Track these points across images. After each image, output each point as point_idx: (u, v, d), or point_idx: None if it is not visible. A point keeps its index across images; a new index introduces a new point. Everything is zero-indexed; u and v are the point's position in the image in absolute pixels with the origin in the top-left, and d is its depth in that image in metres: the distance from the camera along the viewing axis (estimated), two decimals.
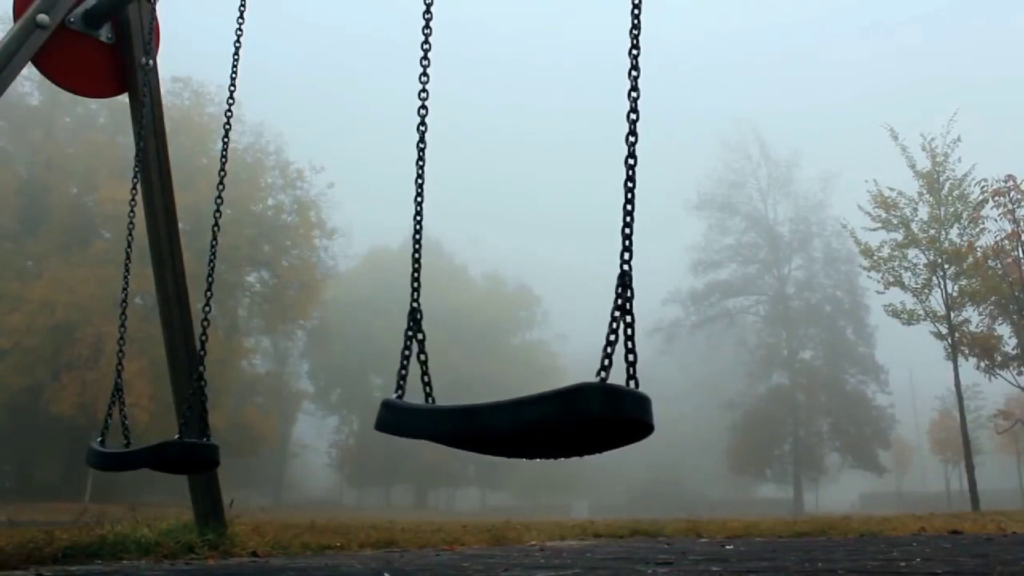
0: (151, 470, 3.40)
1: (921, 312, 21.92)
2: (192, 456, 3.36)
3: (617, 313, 1.78)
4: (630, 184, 1.91)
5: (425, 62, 2.47)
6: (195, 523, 4.32)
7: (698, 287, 51.40)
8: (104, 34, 4.31)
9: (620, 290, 1.80)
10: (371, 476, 56.07)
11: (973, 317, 21.97)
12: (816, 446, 48.08)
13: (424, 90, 2.45)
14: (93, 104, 33.13)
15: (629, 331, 1.77)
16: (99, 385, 27.73)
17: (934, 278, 21.78)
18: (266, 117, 48.15)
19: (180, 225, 4.53)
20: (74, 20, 4.13)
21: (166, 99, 4.85)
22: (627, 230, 1.86)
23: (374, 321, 52.63)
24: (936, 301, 21.79)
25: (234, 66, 3.75)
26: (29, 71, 4.28)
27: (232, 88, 3.76)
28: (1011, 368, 21.73)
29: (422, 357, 2.22)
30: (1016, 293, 21.28)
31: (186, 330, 4.33)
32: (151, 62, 4.34)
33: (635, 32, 1.99)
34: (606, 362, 1.74)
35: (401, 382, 2.17)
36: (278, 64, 70.66)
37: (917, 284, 21.92)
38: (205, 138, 35.31)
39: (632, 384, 1.75)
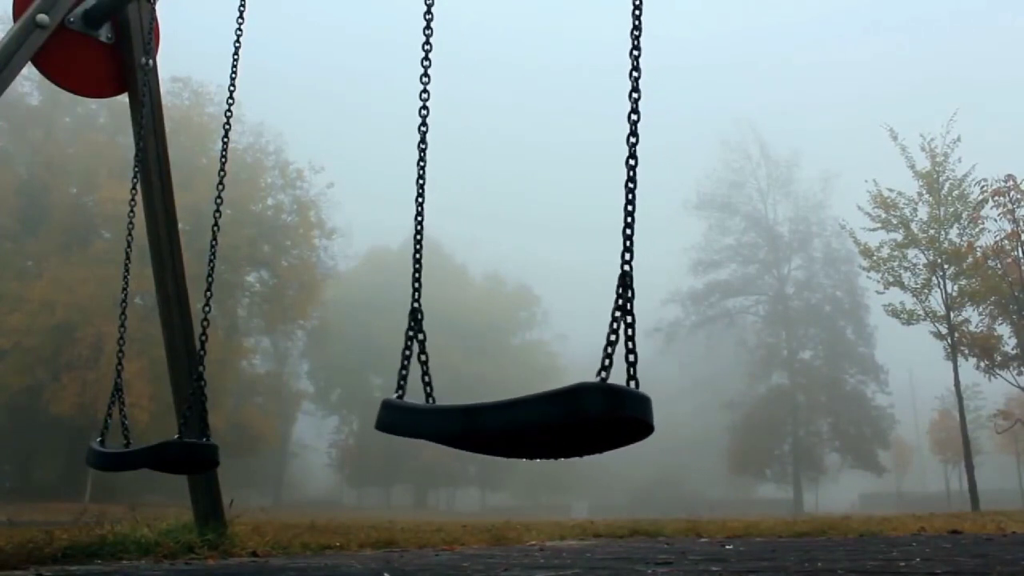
0: (151, 470, 3.40)
1: (921, 312, 21.93)
2: (192, 456, 3.36)
3: (618, 313, 1.78)
4: (631, 185, 1.91)
5: (426, 62, 2.47)
6: (195, 523, 4.32)
7: (698, 287, 51.44)
8: (104, 34, 4.31)
9: (620, 290, 1.80)
10: (371, 476, 56.05)
11: (973, 317, 21.99)
12: (816, 446, 48.08)
13: (425, 90, 2.45)
14: (93, 104, 33.13)
15: (629, 331, 1.77)
16: (99, 385, 27.73)
17: (934, 278, 21.78)
18: (266, 117, 48.26)
19: (180, 225, 4.53)
20: (74, 20, 4.13)
21: (166, 99, 4.85)
22: (628, 230, 1.86)
23: (374, 321, 52.61)
24: (936, 301, 21.82)
25: (234, 66, 3.75)
26: (29, 71, 4.28)
27: (232, 88, 3.76)
28: (1011, 368, 21.72)
29: (423, 357, 2.22)
30: (1016, 293, 21.28)
31: (186, 330, 4.33)
32: (151, 62, 4.34)
33: (636, 33, 1.99)
34: (606, 362, 1.74)
35: (402, 382, 2.17)
36: (278, 64, 70.67)
37: (917, 284, 21.93)
38: (205, 138, 35.30)
39: (632, 384, 1.75)
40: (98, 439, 3.59)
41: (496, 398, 1.83)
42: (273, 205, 39.95)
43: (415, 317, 2.23)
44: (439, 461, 48.41)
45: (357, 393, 55.54)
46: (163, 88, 4.66)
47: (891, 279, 22.15)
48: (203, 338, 3.46)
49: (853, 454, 46.88)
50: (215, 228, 3.55)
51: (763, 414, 47.19)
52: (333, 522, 8.26)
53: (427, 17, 2.50)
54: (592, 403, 1.66)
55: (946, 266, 21.64)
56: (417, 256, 2.36)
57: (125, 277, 3.92)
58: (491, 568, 3.21)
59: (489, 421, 1.82)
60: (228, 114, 3.74)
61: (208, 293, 3.50)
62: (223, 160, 3.66)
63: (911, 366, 56.58)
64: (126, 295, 3.87)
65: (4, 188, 32.07)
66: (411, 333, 2.21)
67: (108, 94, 4.62)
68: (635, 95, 1.95)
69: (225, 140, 3.75)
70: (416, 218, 2.40)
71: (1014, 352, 21.66)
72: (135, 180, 4.09)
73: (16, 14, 3.98)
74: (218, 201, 3.57)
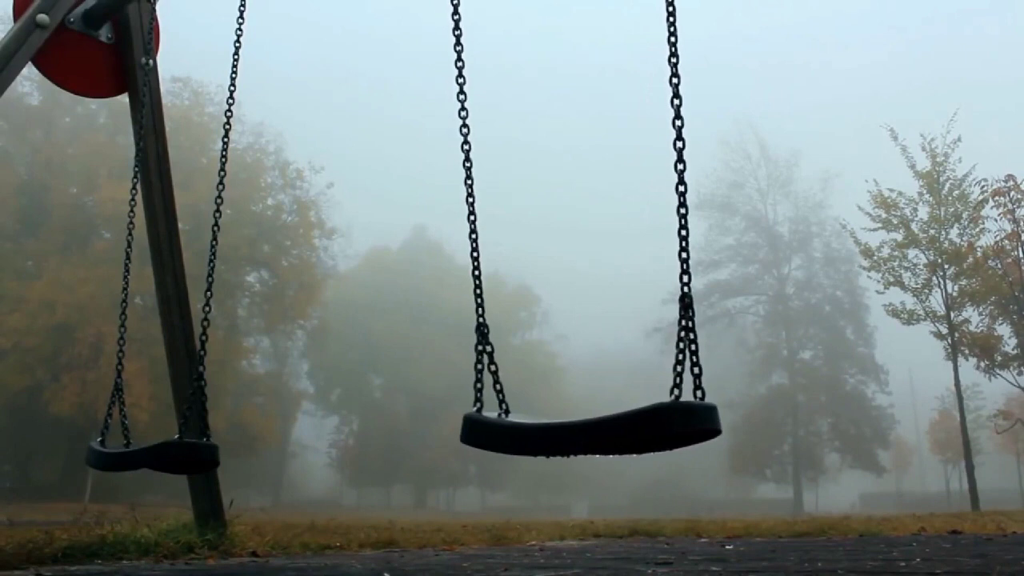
0: (151, 470, 3.40)
1: (921, 312, 21.93)
2: (192, 456, 3.35)
3: (682, 334, 1.90)
4: (683, 211, 1.97)
5: (461, 79, 2.49)
6: (195, 523, 4.31)
7: (698, 287, 51.32)
8: (104, 34, 4.31)
9: (683, 311, 1.94)
10: (371, 476, 56.02)
11: (973, 317, 21.99)
12: (816, 446, 48.06)
13: (464, 108, 2.48)
14: (93, 104, 33.13)
15: (694, 347, 1.90)
16: (99, 385, 27.72)
17: (934, 278, 21.78)
18: (266, 117, 48.28)
19: (180, 225, 4.53)
20: (74, 20, 4.12)
21: (166, 99, 4.85)
22: (683, 254, 1.95)
23: (374, 321, 52.61)
24: (936, 301, 21.81)
25: (234, 66, 3.74)
26: (29, 71, 4.28)
27: (232, 88, 3.76)
28: (1011, 368, 21.72)
29: (492, 367, 2.31)
30: (1016, 293, 21.28)
31: (186, 330, 4.33)
32: (151, 62, 4.34)
33: (672, 40, 2.02)
34: (678, 380, 1.88)
35: (478, 395, 2.28)
36: (278, 64, 70.71)
37: (917, 284, 21.92)
38: (205, 138, 35.30)
39: (699, 395, 1.88)
40: (98, 439, 3.59)
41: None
42: (273, 205, 39.95)
43: (481, 331, 2.37)
44: (439, 461, 48.39)
45: (357, 393, 55.52)
46: (163, 88, 4.66)
47: (891, 279, 22.15)
48: (203, 338, 3.46)
49: (853, 454, 46.88)
50: (215, 228, 3.55)
51: (763, 414, 47.17)
52: (333, 522, 8.25)
53: (456, 34, 2.52)
54: (673, 422, 1.82)
55: (946, 266, 21.64)
56: (476, 273, 2.43)
57: (125, 277, 3.93)
58: (491, 568, 3.21)
59: (576, 442, 1.95)
60: (228, 114, 3.74)
61: (208, 293, 3.50)
62: (223, 160, 3.65)
63: (911, 366, 56.61)
64: (126, 295, 3.87)
65: (4, 188, 32.05)
66: (479, 347, 2.33)
67: (108, 94, 4.62)
68: (676, 101, 1.98)
69: (225, 140, 3.75)
70: (471, 235, 2.45)
71: (1014, 352, 21.66)
72: (135, 180, 4.09)
73: (16, 14, 3.98)
74: (218, 201, 3.57)
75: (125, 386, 3.71)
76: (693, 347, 1.90)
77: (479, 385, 2.29)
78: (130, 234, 4.02)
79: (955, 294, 21.69)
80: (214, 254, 3.56)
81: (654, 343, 48.75)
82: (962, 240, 21.68)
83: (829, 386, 48.01)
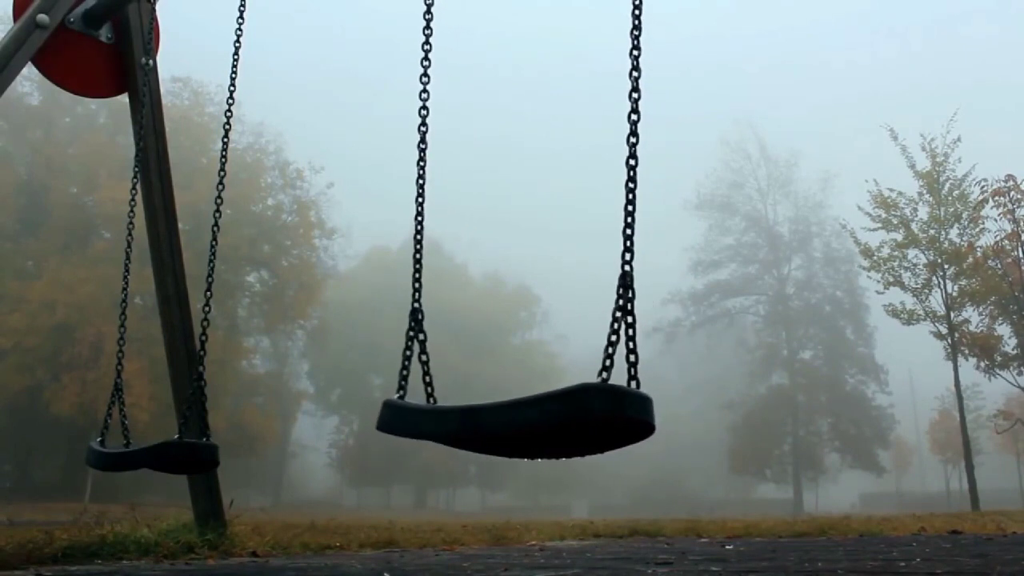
0: (151, 470, 3.40)
1: (921, 312, 21.93)
2: (192, 456, 3.36)
3: (618, 314, 1.77)
4: (631, 185, 1.90)
5: (426, 63, 2.47)
6: (195, 523, 4.31)
7: (698, 287, 51.42)
8: (104, 34, 4.31)
9: (621, 291, 1.80)
10: (371, 476, 56.04)
11: (973, 317, 22.00)
12: (816, 446, 48.08)
13: (425, 90, 2.45)
14: (93, 104, 33.14)
15: (630, 332, 1.77)
16: (99, 385, 27.72)
17: (934, 278, 21.78)
18: (266, 117, 48.27)
19: (180, 225, 4.52)
20: (74, 20, 4.12)
21: (166, 99, 4.85)
22: (628, 231, 1.86)
23: (374, 321, 52.59)
24: (936, 301, 21.82)
25: (234, 66, 3.74)
26: (29, 71, 4.28)
27: (232, 88, 3.76)
28: (1011, 368, 21.72)
29: (423, 357, 2.22)
30: (1016, 293, 21.28)
31: (186, 330, 4.33)
32: (151, 62, 4.34)
33: (636, 33, 1.99)
34: (607, 362, 1.74)
35: (403, 383, 2.17)
36: (278, 64, 70.63)
37: (917, 284, 21.93)
38: (205, 138, 35.31)
39: (633, 384, 1.75)
40: (98, 439, 3.59)
41: (495, 398, 1.83)
42: (273, 205, 39.98)
43: (415, 317, 2.23)
44: (439, 461, 48.40)
45: (357, 393, 55.51)
46: (163, 88, 4.66)
47: (891, 279, 22.15)
48: (203, 338, 3.46)
49: (853, 454, 46.89)
50: (215, 228, 3.55)
51: (763, 414, 47.18)
52: (333, 522, 8.25)
53: (427, 18, 2.51)
54: (594, 404, 1.66)
55: (946, 266, 21.64)
56: (417, 256, 2.36)
57: (125, 277, 3.93)
58: (491, 568, 3.21)
59: (490, 422, 1.82)
60: (228, 114, 3.74)
61: (208, 293, 3.50)
62: (223, 160, 3.65)
63: (911, 366, 56.61)
64: (126, 295, 3.87)
65: (4, 188, 32.07)
66: (411, 333, 2.21)
67: (108, 94, 4.62)
68: (635, 95, 1.95)
69: (225, 140, 3.75)
70: (416, 218, 2.40)
71: (1014, 352, 21.66)
72: (135, 180, 4.09)
73: (16, 14, 3.98)
74: (218, 201, 3.57)
75: (125, 386, 3.71)
76: (630, 332, 1.76)
77: (405, 372, 2.15)
78: (130, 234, 4.02)
79: (955, 294, 21.70)
80: (214, 254, 3.56)
81: (654, 343, 48.85)
82: (962, 240, 21.69)
83: (829, 386, 48.03)
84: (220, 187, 3.59)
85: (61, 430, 31.62)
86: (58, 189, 33.99)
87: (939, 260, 21.63)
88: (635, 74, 1.96)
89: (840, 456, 48.14)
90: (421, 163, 2.45)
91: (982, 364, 21.71)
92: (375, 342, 52.06)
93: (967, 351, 21.59)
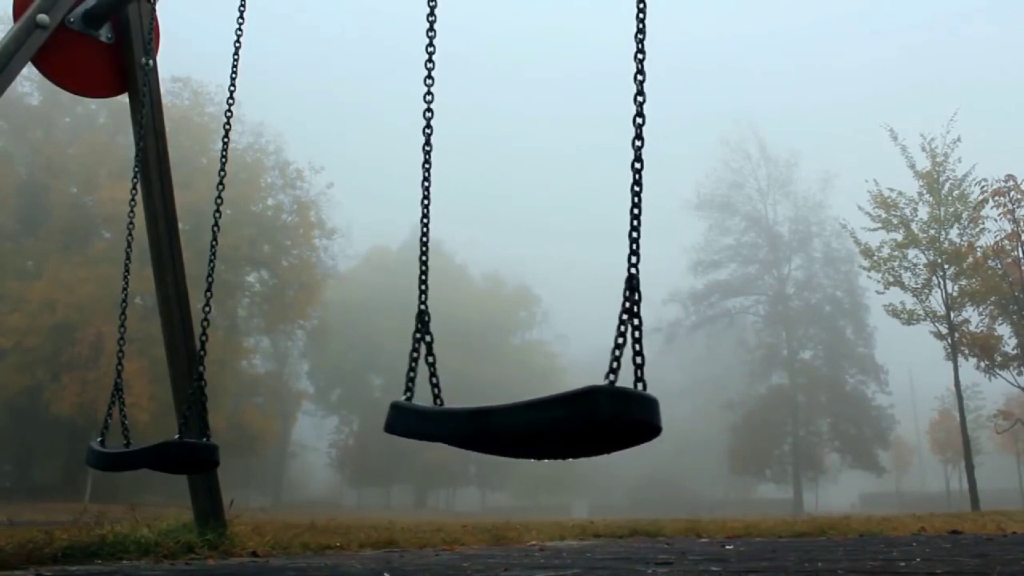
0: (151, 470, 3.40)
1: (921, 312, 21.93)
2: (192, 456, 3.35)
3: (625, 316, 1.77)
4: (637, 188, 1.91)
5: (430, 64, 2.46)
6: (195, 523, 4.31)
7: (698, 287, 51.45)
8: (104, 34, 4.30)
9: (628, 293, 1.80)
10: (371, 476, 56.05)
11: (973, 317, 22.00)
12: (816, 446, 48.09)
13: (429, 92, 2.44)
14: (93, 104, 33.14)
15: (637, 334, 1.77)
16: (99, 385, 27.73)
17: (934, 278, 21.79)
18: (266, 117, 48.33)
19: (180, 225, 4.52)
20: (74, 20, 4.12)
21: (166, 99, 4.85)
22: (634, 233, 1.86)
23: (374, 321, 52.60)
24: (936, 301, 21.82)
25: (234, 66, 3.74)
26: (29, 71, 4.27)
27: (232, 88, 3.75)
28: (1011, 368, 21.72)
29: (430, 359, 2.22)
30: (1016, 293, 21.28)
31: (186, 330, 4.33)
32: (151, 62, 4.33)
33: (640, 37, 1.99)
34: (614, 364, 1.74)
35: (410, 384, 2.17)
36: (278, 64, 70.63)
37: (917, 284, 21.93)
38: (205, 138, 35.32)
39: (640, 386, 1.75)
40: (98, 439, 3.59)
41: (496, 398, 1.83)
42: (273, 205, 39.99)
43: (422, 319, 2.24)
44: (439, 461, 48.40)
45: (357, 393, 55.53)
46: (163, 88, 4.65)
47: (891, 279, 22.15)
48: (203, 338, 3.46)
49: (853, 454, 46.90)
50: (215, 228, 3.54)
51: (763, 414, 47.19)
52: (333, 522, 8.25)
53: (430, 19, 2.50)
54: (601, 406, 1.66)
55: (946, 266, 21.64)
56: (423, 259, 2.37)
57: (125, 277, 3.92)
58: (491, 568, 3.21)
59: (499, 423, 1.82)
60: (228, 114, 3.73)
61: (208, 293, 3.49)
62: (223, 160, 3.65)
63: (911, 366, 56.62)
64: (126, 295, 3.87)
65: (4, 188, 32.08)
66: (418, 335, 2.21)
67: (108, 94, 4.61)
68: (640, 99, 1.94)
69: (225, 140, 3.75)
70: (422, 220, 2.40)
71: (1014, 352, 21.66)
72: (135, 180, 4.09)
73: (16, 14, 3.98)
74: (218, 201, 3.57)
75: (125, 386, 3.71)
76: (637, 334, 1.76)
77: (412, 374, 2.16)
78: (130, 234, 4.01)
79: (955, 294, 21.70)
80: (214, 254, 3.56)
81: (654, 343, 48.83)
82: (962, 240, 21.69)
83: (829, 386, 48.04)
84: (220, 187, 3.58)
85: (61, 430, 31.62)
86: (58, 189, 34.00)
87: (939, 260, 21.63)
88: (639, 77, 1.95)
89: (840, 456, 48.15)
90: (426, 165, 2.45)
91: (982, 364, 21.72)
92: (375, 342, 52.08)
93: (967, 351, 21.59)
